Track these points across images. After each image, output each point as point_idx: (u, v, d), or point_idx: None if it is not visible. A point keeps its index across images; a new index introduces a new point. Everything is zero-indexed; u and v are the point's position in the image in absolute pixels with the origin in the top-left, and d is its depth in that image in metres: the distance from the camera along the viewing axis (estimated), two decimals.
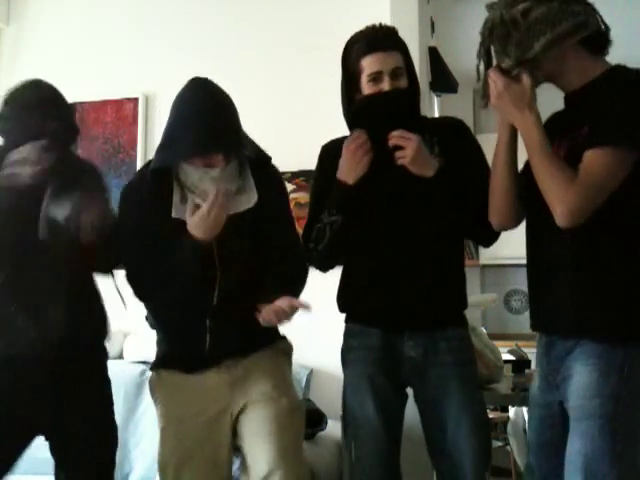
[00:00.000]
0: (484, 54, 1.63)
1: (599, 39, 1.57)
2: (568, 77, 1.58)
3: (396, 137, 1.78)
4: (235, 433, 1.82)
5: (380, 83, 1.78)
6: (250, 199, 1.83)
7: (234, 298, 1.79)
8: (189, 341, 1.84)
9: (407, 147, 1.76)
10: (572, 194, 1.45)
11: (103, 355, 2.01)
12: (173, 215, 1.78)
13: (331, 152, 1.92)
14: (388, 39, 1.81)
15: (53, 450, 1.93)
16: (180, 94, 1.79)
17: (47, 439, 1.92)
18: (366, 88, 1.80)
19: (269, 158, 1.91)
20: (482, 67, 1.65)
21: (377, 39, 1.79)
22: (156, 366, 1.91)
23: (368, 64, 1.79)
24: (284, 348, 1.94)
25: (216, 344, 1.80)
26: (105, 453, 1.96)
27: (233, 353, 1.82)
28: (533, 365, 1.94)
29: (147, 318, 1.94)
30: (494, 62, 1.61)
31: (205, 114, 1.72)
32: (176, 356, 1.87)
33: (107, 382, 1.99)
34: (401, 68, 1.80)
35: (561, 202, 1.46)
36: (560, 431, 1.61)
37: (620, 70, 1.55)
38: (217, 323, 1.80)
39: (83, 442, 1.90)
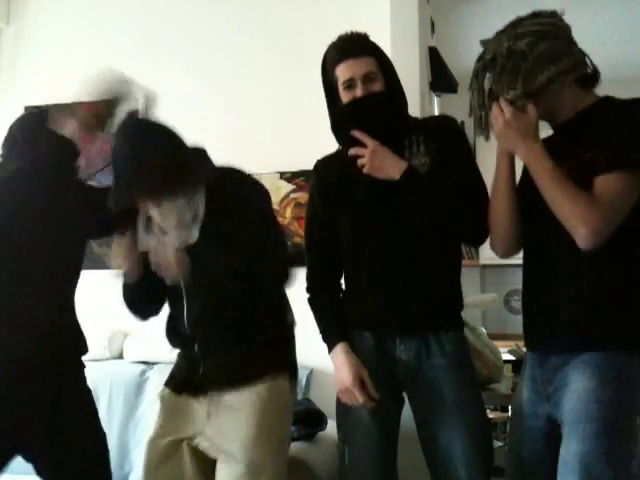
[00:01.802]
0: (479, 87, 1.65)
1: (591, 78, 1.64)
2: (562, 111, 1.62)
3: (353, 148, 1.79)
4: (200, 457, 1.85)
5: (354, 89, 1.78)
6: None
7: (208, 323, 1.83)
8: (187, 367, 1.91)
9: (365, 155, 1.77)
10: (597, 215, 1.46)
11: (82, 367, 2.04)
12: (139, 248, 1.84)
13: (324, 168, 1.93)
14: (358, 45, 1.81)
15: (40, 470, 1.91)
16: None
17: (29, 460, 1.90)
18: (343, 96, 1.81)
19: (214, 175, 1.84)
20: (474, 100, 1.67)
21: (347, 46, 1.80)
22: (165, 383, 1.98)
23: (341, 72, 1.80)
24: (276, 387, 1.83)
25: (207, 375, 1.84)
26: (96, 462, 1.96)
27: (220, 386, 1.83)
28: None
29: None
30: (486, 94, 1.64)
31: (115, 166, 1.77)
32: (175, 378, 1.94)
33: (89, 392, 2.03)
34: (373, 72, 1.79)
35: (586, 224, 1.46)
36: (546, 442, 1.62)
37: (612, 99, 1.60)
38: (204, 351, 1.84)
39: (71, 455, 1.90)
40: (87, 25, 3.62)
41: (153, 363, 3.03)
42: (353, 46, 1.80)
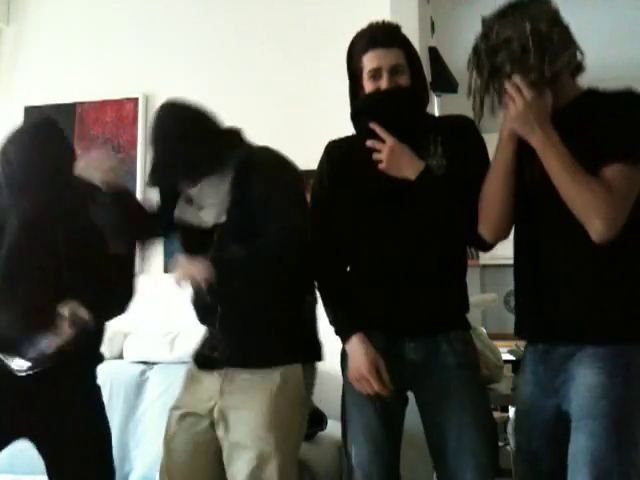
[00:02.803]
0: (484, 67, 1.60)
1: (579, 67, 1.63)
2: (560, 98, 1.59)
3: (371, 141, 1.76)
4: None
5: (379, 80, 1.76)
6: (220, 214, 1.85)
7: (235, 307, 1.83)
8: (208, 342, 1.92)
9: (382, 151, 1.75)
10: (613, 207, 1.45)
11: (95, 362, 2.05)
12: (175, 214, 1.91)
13: (335, 152, 1.90)
14: (389, 36, 1.79)
15: (45, 458, 1.92)
16: None
17: (33, 442, 1.91)
18: (366, 85, 1.78)
19: (246, 156, 1.87)
20: (478, 80, 1.63)
21: (377, 36, 1.78)
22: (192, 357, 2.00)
23: (368, 60, 1.77)
24: (290, 374, 1.82)
25: (224, 352, 1.85)
26: (99, 458, 1.96)
27: (234, 365, 1.84)
28: None
29: None
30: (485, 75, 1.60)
31: (151, 148, 1.86)
32: (198, 351, 1.96)
33: (97, 389, 2.03)
34: (401, 65, 1.77)
35: (603, 215, 1.45)
36: (554, 435, 1.61)
37: (598, 91, 1.59)
38: (225, 332, 1.85)
39: (75, 449, 1.90)
40: (87, 25, 3.62)
41: (153, 363, 3.04)
42: (384, 36, 1.78)
